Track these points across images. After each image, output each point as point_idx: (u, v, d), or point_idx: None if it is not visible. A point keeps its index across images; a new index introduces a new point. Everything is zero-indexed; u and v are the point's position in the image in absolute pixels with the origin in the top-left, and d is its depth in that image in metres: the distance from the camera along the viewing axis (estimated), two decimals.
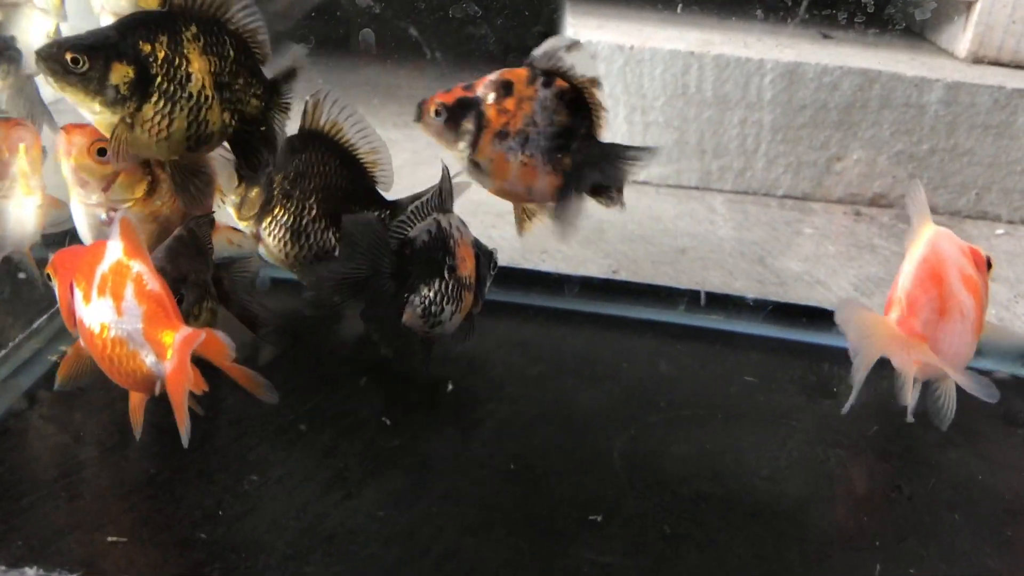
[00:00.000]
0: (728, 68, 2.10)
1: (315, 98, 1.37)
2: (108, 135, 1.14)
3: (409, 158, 1.87)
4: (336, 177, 1.39)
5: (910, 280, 1.27)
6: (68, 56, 1.09)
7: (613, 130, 2.14)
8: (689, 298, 1.54)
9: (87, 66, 1.10)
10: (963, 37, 2.27)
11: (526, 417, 1.27)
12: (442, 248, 1.26)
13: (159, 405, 1.07)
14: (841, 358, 1.49)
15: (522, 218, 1.35)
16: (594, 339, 1.49)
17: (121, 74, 1.12)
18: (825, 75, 2.10)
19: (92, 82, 1.11)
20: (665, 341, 1.50)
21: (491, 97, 1.25)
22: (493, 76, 1.26)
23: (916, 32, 2.50)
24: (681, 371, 1.43)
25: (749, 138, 2.16)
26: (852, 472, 1.24)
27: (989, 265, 1.32)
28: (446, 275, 1.25)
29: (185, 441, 0.99)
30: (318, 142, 1.38)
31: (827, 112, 2.13)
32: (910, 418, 1.24)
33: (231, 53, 1.21)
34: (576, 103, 1.26)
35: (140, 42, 1.14)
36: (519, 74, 1.26)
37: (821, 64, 2.09)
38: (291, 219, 1.37)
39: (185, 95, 1.16)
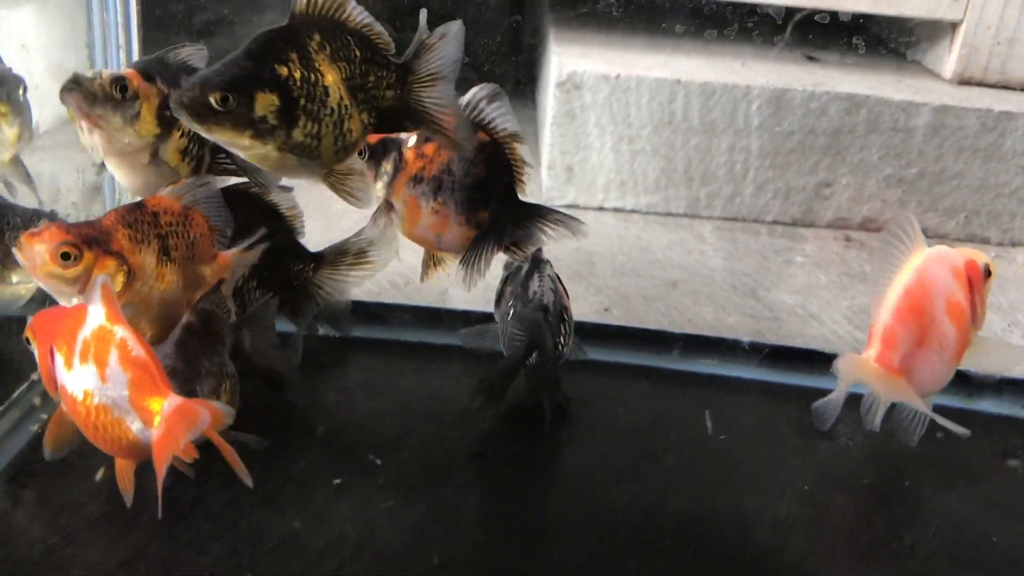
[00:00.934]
0: (715, 95, 2.09)
1: None
2: (260, 163, 1.12)
3: None
4: None
5: (890, 313, 1.25)
6: (214, 97, 1.05)
7: (601, 159, 2.14)
8: (684, 342, 1.52)
9: (235, 103, 1.06)
10: (949, 58, 2.26)
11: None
12: (557, 294, 1.35)
13: (149, 471, 1.04)
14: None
15: (429, 264, 1.34)
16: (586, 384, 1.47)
17: (266, 103, 1.07)
18: (812, 100, 2.09)
19: (241, 118, 1.06)
20: (658, 384, 1.48)
21: (412, 140, 1.26)
22: None
23: (901, 53, 2.50)
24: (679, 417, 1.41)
25: (737, 164, 2.15)
26: (852, 521, 1.23)
27: (988, 272, 1.31)
28: (566, 318, 1.36)
29: (160, 513, 0.98)
30: None
31: (815, 137, 2.12)
32: (876, 429, 1.28)
33: (357, 53, 1.15)
34: (496, 157, 1.24)
35: (276, 66, 1.09)
36: None
37: (808, 90, 2.08)
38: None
39: (327, 111, 1.11)
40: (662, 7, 2.26)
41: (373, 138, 1.26)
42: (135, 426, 1.04)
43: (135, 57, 1.67)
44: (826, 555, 1.16)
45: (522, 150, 1.25)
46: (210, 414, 1.01)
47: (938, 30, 2.31)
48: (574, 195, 2.18)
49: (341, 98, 1.12)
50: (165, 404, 1.01)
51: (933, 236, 2.18)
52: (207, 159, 1.31)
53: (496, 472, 1.27)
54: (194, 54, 1.31)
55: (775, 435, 1.39)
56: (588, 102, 2.10)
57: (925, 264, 1.28)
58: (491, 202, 1.24)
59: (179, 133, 1.26)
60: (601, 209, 2.18)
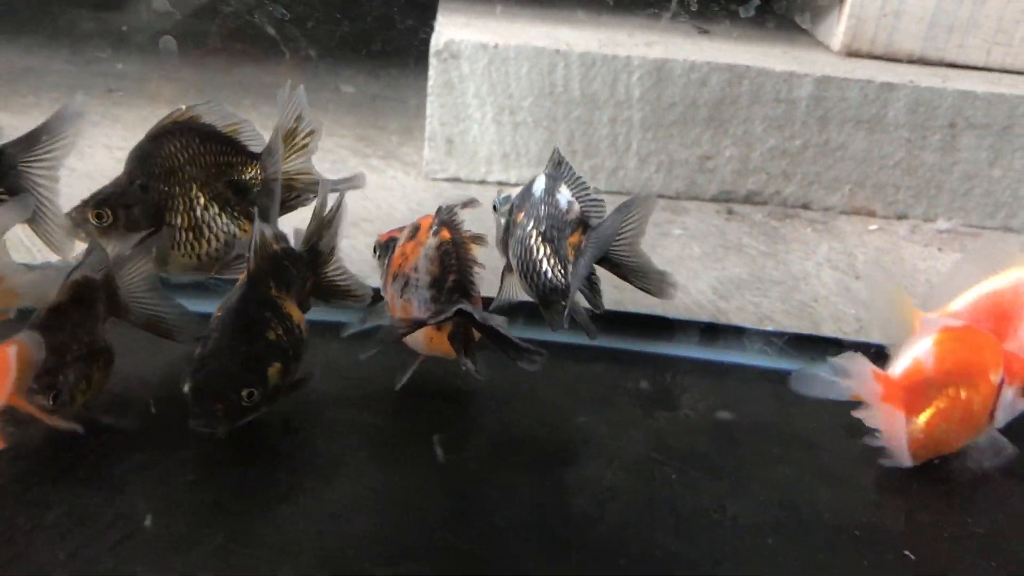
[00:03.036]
0: (595, 66, 2.05)
1: None
2: None
3: None
4: None
5: (965, 304, 1.26)
6: (244, 394, 1.12)
7: (483, 131, 2.09)
8: (528, 311, 1.48)
9: (259, 395, 1.13)
10: (837, 30, 2.24)
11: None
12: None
13: None
14: (683, 368, 1.47)
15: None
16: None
17: (275, 373, 1.15)
18: (693, 71, 2.05)
19: (262, 402, 1.14)
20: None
21: (403, 239, 1.29)
22: (421, 218, 1.29)
23: (796, 26, 2.48)
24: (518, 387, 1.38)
25: (620, 137, 2.11)
26: (677, 491, 1.19)
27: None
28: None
29: None
30: None
31: (697, 109, 2.08)
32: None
33: (291, 271, 1.25)
34: (447, 256, 1.23)
35: (267, 335, 1.16)
36: (427, 220, 1.28)
37: (689, 60, 2.05)
38: None
39: (302, 341, 1.22)
40: None
41: (384, 236, 1.35)
42: None
43: None
44: (643, 525, 1.12)
45: (478, 251, 1.26)
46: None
47: (828, 2, 2.29)
48: (455, 168, 2.13)
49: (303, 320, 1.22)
50: None
51: (818, 209, 2.17)
52: None
53: (278, 448, 1.22)
54: None
55: (615, 404, 1.36)
56: (467, 72, 2.05)
57: None
58: (441, 299, 1.22)
59: None
60: (484, 183, 2.14)
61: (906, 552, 1.12)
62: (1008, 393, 1.19)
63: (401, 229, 1.34)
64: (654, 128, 2.10)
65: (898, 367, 1.20)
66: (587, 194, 1.27)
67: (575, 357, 1.45)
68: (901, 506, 1.21)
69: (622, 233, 1.23)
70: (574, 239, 1.25)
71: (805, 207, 2.17)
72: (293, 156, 1.39)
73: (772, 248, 1.96)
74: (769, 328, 1.57)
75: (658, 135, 2.10)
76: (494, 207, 1.38)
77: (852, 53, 2.22)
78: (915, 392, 1.18)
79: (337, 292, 1.33)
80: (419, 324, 1.22)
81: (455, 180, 2.13)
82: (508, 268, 1.36)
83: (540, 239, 1.28)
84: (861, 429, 1.24)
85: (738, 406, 1.39)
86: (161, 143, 1.30)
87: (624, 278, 1.28)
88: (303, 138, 1.39)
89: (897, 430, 1.18)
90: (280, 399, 1.17)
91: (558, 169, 1.29)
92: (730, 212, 2.11)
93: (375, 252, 1.35)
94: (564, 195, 1.27)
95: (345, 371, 1.35)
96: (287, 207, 1.38)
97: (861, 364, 1.16)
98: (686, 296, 1.72)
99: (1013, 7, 2.15)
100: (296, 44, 2.43)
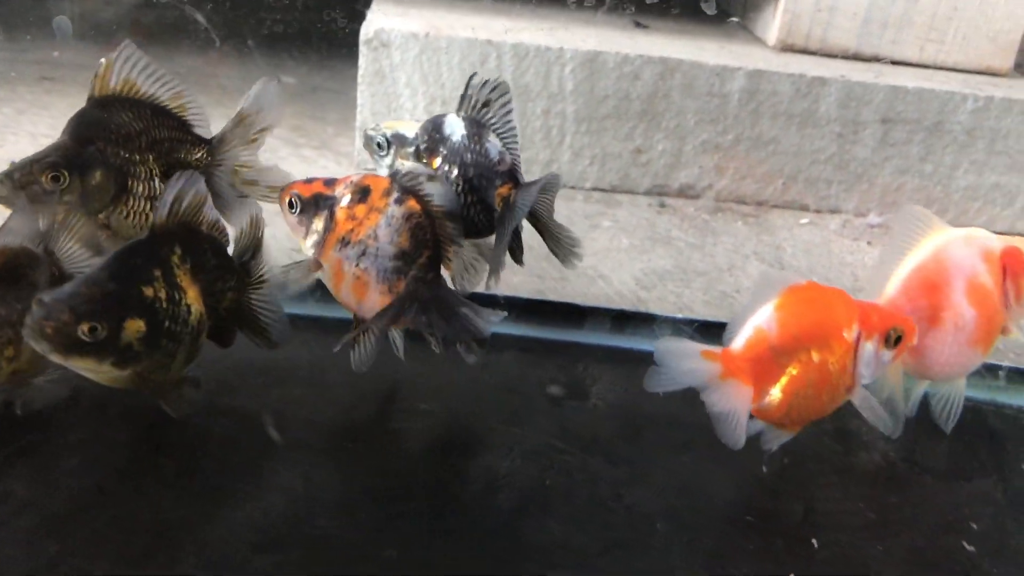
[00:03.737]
0: (527, 57, 2.04)
1: None
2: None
3: None
4: None
5: (897, 288, 1.24)
6: (83, 328, 0.99)
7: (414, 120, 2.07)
8: None
9: (104, 332, 1.01)
10: (773, 25, 2.24)
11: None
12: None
13: None
14: (595, 356, 1.46)
15: (356, 328, 1.25)
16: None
17: (134, 330, 1.04)
18: (626, 64, 2.05)
19: (106, 347, 1.02)
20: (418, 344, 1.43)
21: (346, 199, 1.19)
22: (356, 177, 1.21)
23: (735, 21, 2.48)
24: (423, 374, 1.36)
25: (554, 129, 2.10)
26: (576, 480, 1.18)
27: None
28: None
29: None
30: None
31: (630, 102, 2.08)
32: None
33: (211, 260, 1.16)
34: (420, 229, 1.18)
35: (143, 287, 1.06)
36: (379, 183, 1.20)
37: (622, 53, 2.04)
38: None
39: (188, 330, 1.11)
40: None
41: (307, 191, 1.21)
42: None
43: None
44: (534, 513, 1.11)
45: (454, 229, 1.19)
46: None
47: None
48: (388, 159, 2.11)
49: (201, 315, 1.13)
50: None
51: (751, 203, 2.17)
52: None
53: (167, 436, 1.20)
54: None
55: (522, 392, 1.35)
56: (397, 61, 2.03)
57: (946, 243, 1.24)
58: (409, 275, 1.18)
59: None
60: None
61: (798, 537, 1.12)
62: (868, 347, 1.14)
63: (309, 182, 1.23)
64: (587, 121, 2.09)
65: (739, 339, 1.14)
66: (517, 147, 1.28)
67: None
68: (797, 493, 1.21)
69: (547, 191, 1.25)
70: (504, 190, 1.24)
71: (738, 201, 2.17)
72: (243, 146, 1.37)
73: (701, 240, 1.96)
74: (679, 316, 1.56)
75: (591, 128, 2.10)
76: (376, 145, 1.31)
77: (787, 48, 2.22)
78: (762, 363, 1.13)
79: (256, 323, 1.25)
80: (397, 316, 1.18)
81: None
82: None
83: (467, 186, 1.25)
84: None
85: (646, 395, 1.38)
86: (113, 111, 1.24)
87: (541, 233, 1.29)
88: (257, 131, 1.37)
89: (742, 405, 1.12)
90: (149, 383, 1.11)
91: (483, 111, 1.26)
92: (662, 205, 2.11)
93: (291, 207, 1.21)
94: (494, 144, 1.25)
95: (238, 356, 1.33)
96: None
97: (684, 346, 1.12)
98: (608, 286, 1.72)
99: (945, 4, 2.16)
100: (239, 33, 2.41)
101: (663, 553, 1.08)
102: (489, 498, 1.13)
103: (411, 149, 1.28)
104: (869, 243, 2.04)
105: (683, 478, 1.21)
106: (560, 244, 1.30)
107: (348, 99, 2.41)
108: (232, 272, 1.21)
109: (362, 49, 2.02)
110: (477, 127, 1.26)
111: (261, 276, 1.25)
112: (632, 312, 1.57)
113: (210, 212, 1.19)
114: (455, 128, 1.26)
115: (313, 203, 1.21)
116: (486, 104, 1.26)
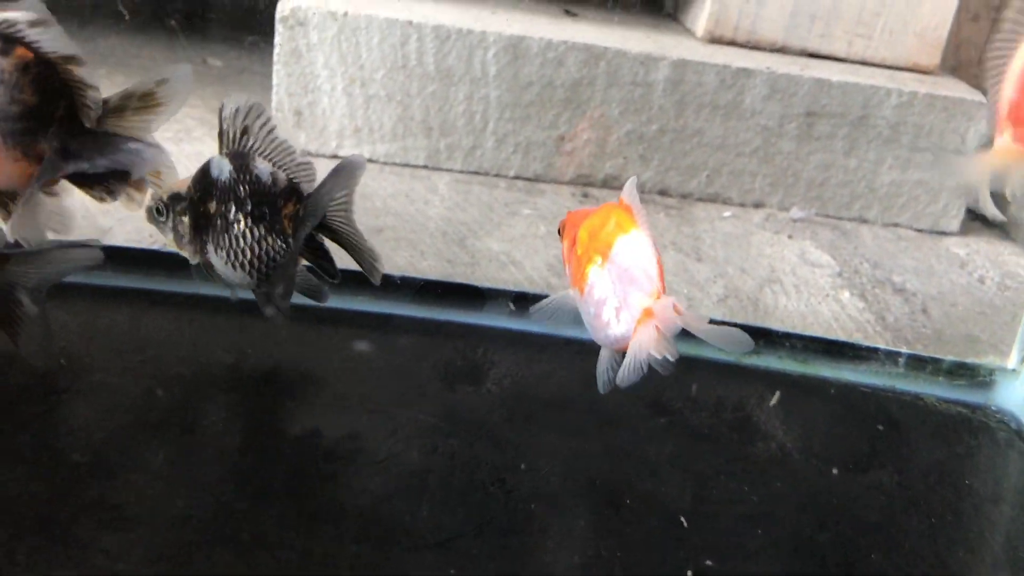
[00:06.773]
0: (449, 40, 2.00)
1: None
2: None
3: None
4: None
5: (1015, 88, 1.10)
6: None
7: (333, 103, 2.03)
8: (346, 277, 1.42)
9: None
10: (702, 16, 2.22)
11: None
12: None
13: None
14: (493, 339, 1.42)
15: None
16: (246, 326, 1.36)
17: None
18: (550, 50, 2.02)
19: None
20: (310, 325, 1.38)
21: None
22: None
23: (666, 12, 2.46)
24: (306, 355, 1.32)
25: (477, 115, 2.06)
26: (457, 463, 1.15)
27: None
28: None
29: None
30: None
31: (554, 90, 2.05)
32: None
33: None
34: (47, 80, 1.06)
35: None
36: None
37: (545, 39, 2.01)
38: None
39: None
40: None
41: None
42: None
43: None
44: (410, 496, 1.07)
45: (83, 72, 1.07)
46: None
47: None
48: (305, 140, 2.06)
49: None
50: None
51: (675, 195, 2.15)
52: None
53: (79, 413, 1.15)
54: None
55: (413, 375, 1.31)
56: (315, 41, 1.98)
57: None
58: (49, 132, 1.07)
59: None
60: (335, 157, 2.07)
61: (679, 520, 1.09)
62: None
63: None
64: (511, 107, 2.05)
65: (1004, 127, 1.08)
66: (292, 159, 1.19)
67: (377, 326, 1.40)
68: (680, 477, 1.18)
69: (337, 198, 1.18)
70: (289, 209, 1.18)
71: (663, 193, 2.15)
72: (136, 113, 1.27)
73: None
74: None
75: (515, 115, 2.06)
76: (156, 212, 1.19)
77: (715, 40, 2.20)
78: None
79: None
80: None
81: (305, 154, 2.06)
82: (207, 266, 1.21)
83: (252, 221, 1.17)
84: (664, 407, 1.21)
85: (542, 379, 1.35)
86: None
87: (344, 248, 1.22)
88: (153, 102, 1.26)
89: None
90: None
91: (244, 140, 1.17)
92: (585, 195, 2.08)
93: None
94: (264, 169, 1.17)
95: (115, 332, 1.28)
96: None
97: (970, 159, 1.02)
98: (519, 272, 1.68)
99: (873, 0, 2.15)
100: (165, 15, 2.35)
101: (537, 535, 1.04)
102: (363, 480, 1.09)
103: (185, 203, 1.18)
104: (790, 236, 2.02)
105: (568, 464, 1.18)
106: (362, 257, 1.23)
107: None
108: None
109: (278, 27, 1.98)
110: (241, 159, 1.17)
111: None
112: (536, 295, 1.53)
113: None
114: (222, 168, 1.16)
115: None
116: (244, 132, 1.17)
